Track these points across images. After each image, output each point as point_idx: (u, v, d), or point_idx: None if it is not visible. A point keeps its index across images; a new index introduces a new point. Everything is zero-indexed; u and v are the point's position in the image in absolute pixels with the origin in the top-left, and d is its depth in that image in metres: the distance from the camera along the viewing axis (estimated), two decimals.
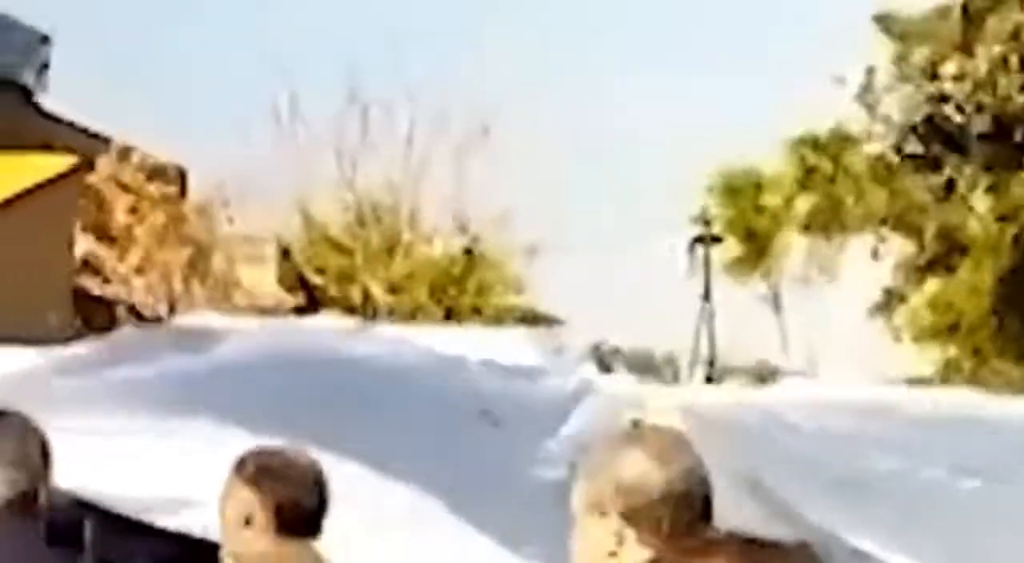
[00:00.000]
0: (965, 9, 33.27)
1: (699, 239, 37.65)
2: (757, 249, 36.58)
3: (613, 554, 3.32)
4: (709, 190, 37.08)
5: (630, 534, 3.32)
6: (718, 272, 38.80)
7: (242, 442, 5.11)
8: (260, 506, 4.47)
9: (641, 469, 3.34)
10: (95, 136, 44.60)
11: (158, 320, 32.99)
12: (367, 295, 40.19)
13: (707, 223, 37.44)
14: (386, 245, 40.66)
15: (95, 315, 30.40)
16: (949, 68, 33.47)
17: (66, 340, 23.69)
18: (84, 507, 5.94)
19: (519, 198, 42.68)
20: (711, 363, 37.15)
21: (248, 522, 4.47)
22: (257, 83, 56.43)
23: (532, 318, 50.27)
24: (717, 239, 37.49)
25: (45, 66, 54.14)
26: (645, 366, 72.58)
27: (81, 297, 30.62)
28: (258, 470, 4.54)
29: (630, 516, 3.32)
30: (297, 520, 4.51)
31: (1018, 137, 33.27)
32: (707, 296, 35.27)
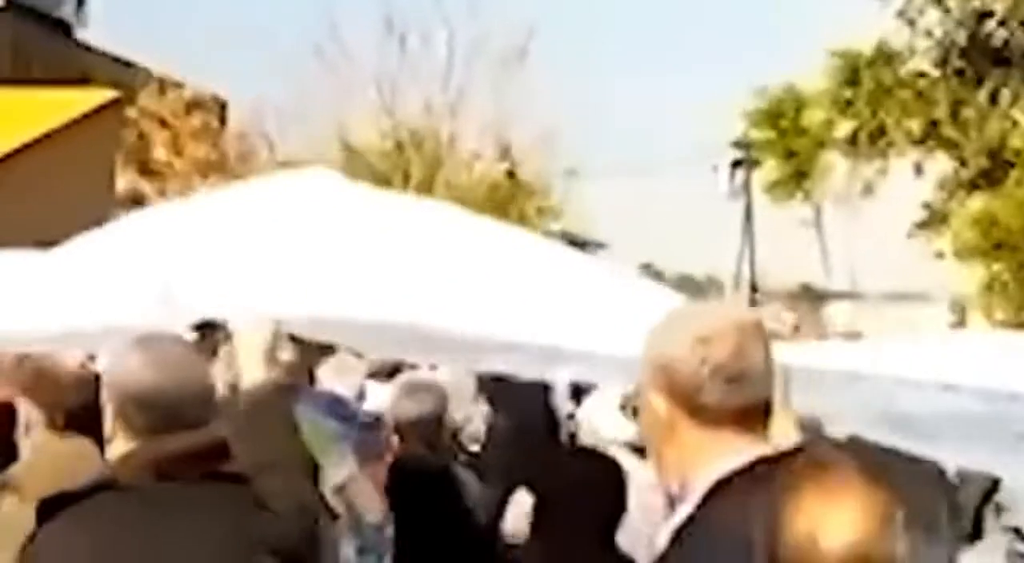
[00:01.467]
0: None
1: (739, 162, 37.51)
2: (798, 170, 36.35)
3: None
4: (747, 112, 36.78)
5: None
6: (759, 194, 38.73)
7: None
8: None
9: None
10: (135, 68, 44.76)
11: None
12: None
13: (747, 145, 37.29)
14: (426, 171, 40.65)
15: None
16: None
17: None
18: None
19: (559, 121, 42.67)
20: (753, 286, 37.08)
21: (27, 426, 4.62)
22: (296, 13, 56.35)
23: (576, 242, 50.40)
24: (757, 162, 37.34)
25: (83, 1, 54.39)
26: (688, 288, 72.72)
27: None
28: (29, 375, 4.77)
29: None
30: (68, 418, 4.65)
31: None
32: (748, 218, 35.17)
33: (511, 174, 42.43)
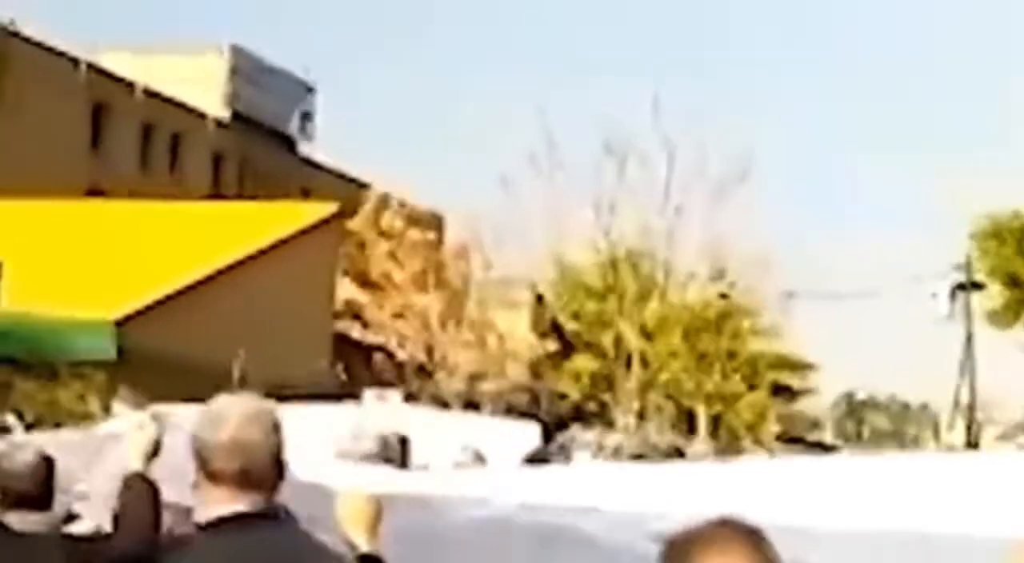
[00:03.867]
0: None
1: (961, 286, 36.77)
2: (1022, 296, 35.57)
3: None
4: (972, 235, 36.15)
5: None
6: (980, 320, 37.89)
7: None
8: None
9: None
10: (356, 183, 45.67)
11: (415, 366, 33.58)
12: (620, 340, 40.16)
13: (969, 269, 36.55)
14: (641, 291, 40.56)
15: (355, 361, 31.01)
16: None
17: (329, 386, 24.23)
18: None
19: (777, 242, 42.31)
20: (971, 413, 36.12)
21: None
22: (516, 131, 57.14)
23: (786, 363, 49.82)
24: (979, 286, 36.58)
25: (309, 115, 55.79)
26: (901, 415, 71.32)
27: (341, 343, 31.24)
28: None
29: None
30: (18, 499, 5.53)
31: None
32: (969, 343, 34.39)
33: (724, 296, 42.15)
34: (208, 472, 3.74)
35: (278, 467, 3.81)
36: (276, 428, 3.86)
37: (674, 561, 2.99)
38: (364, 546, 4.01)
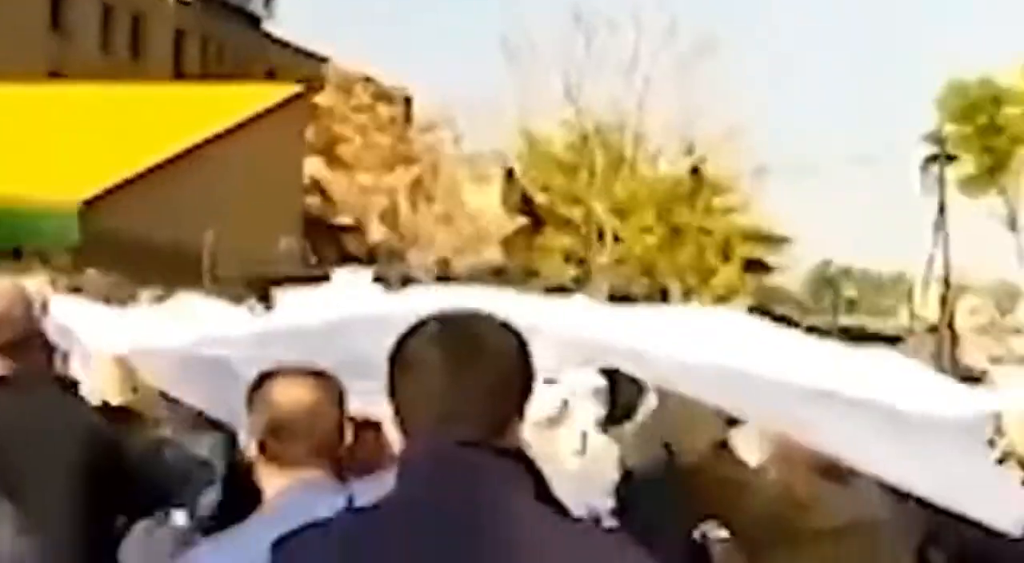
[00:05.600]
0: None
1: (933, 157, 36.63)
2: (993, 166, 35.49)
3: None
4: (941, 105, 35.97)
5: None
6: (952, 189, 37.82)
7: None
8: None
9: None
10: (322, 61, 45.18)
11: (385, 245, 33.37)
12: (591, 214, 40.04)
13: (941, 141, 36.41)
14: (611, 165, 40.37)
15: (324, 241, 30.81)
16: None
17: (296, 264, 24.02)
18: None
19: (746, 116, 42.18)
20: (946, 282, 36.17)
21: None
22: (483, 5, 56.41)
23: (759, 237, 49.78)
24: (952, 157, 36.44)
25: None
26: (875, 286, 71.54)
27: (310, 222, 31.03)
28: None
29: None
30: None
31: None
32: (942, 213, 34.27)
33: (695, 170, 41.99)
34: None
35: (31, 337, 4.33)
36: (28, 305, 4.37)
37: (253, 390, 3.47)
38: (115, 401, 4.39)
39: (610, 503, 5.27)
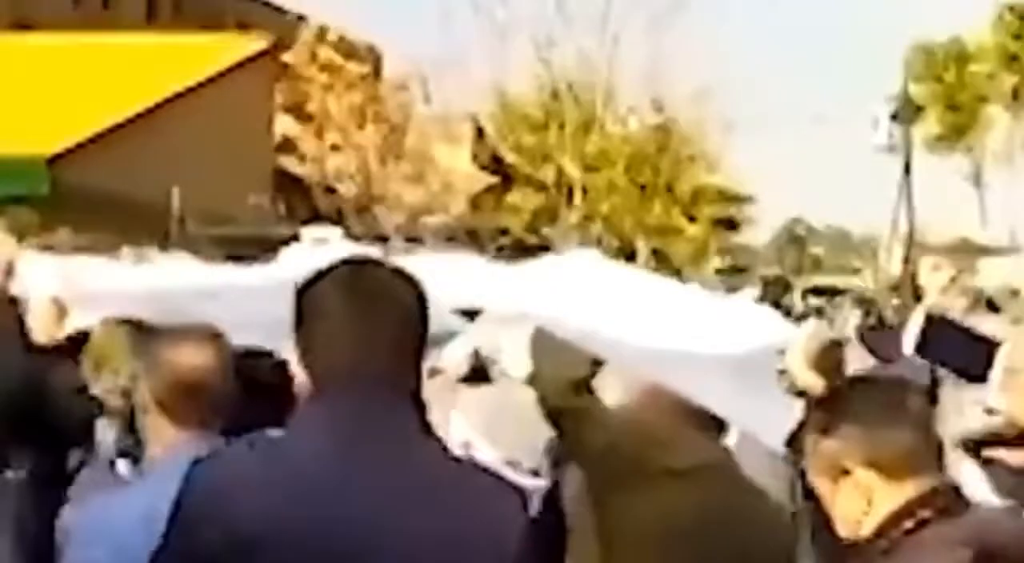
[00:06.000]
0: None
1: (899, 114, 36.76)
2: (959, 124, 35.60)
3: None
4: (908, 63, 36.06)
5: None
6: (918, 148, 37.95)
7: None
8: None
9: None
10: (292, 16, 44.99)
11: (355, 202, 33.40)
12: (561, 173, 40.11)
13: (908, 98, 36.53)
14: (581, 122, 40.42)
15: (294, 197, 30.83)
16: None
17: (267, 221, 24.07)
18: None
19: (715, 74, 42.26)
20: (910, 240, 36.41)
21: None
22: None
23: (726, 196, 49.92)
24: (920, 108, 36.54)
25: None
26: (842, 244, 71.77)
27: (280, 178, 31.02)
28: None
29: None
30: None
31: None
32: (907, 171, 34.44)
33: (664, 128, 42.10)
34: None
35: None
36: None
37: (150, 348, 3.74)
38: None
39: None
